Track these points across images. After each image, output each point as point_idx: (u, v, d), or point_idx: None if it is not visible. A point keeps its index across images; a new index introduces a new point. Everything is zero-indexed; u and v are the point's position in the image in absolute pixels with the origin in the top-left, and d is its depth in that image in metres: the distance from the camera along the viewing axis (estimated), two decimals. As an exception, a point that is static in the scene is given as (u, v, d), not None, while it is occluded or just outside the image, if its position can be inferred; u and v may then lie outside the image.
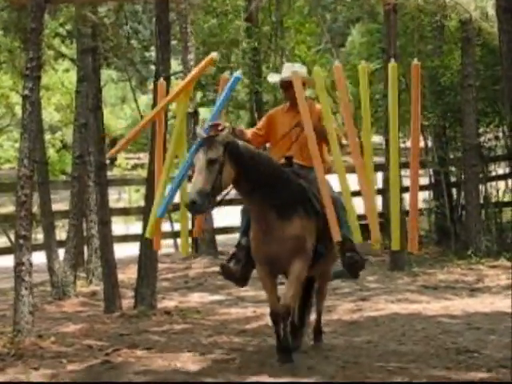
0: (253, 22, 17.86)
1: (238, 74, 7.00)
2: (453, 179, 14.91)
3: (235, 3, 17.27)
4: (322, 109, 6.94)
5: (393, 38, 12.75)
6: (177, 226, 13.89)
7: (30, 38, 8.15)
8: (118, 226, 15.12)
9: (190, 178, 7.02)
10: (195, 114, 14.53)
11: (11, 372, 6.93)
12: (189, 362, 7.15)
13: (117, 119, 31.89)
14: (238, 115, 23.82)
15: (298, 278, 6.83)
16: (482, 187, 14.32)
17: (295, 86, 6.92)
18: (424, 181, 14.45)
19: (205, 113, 19.92)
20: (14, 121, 23.27)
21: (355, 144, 6.76)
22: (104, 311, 9.94)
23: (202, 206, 6.35)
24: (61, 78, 23.73)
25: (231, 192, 6.89)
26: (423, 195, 14.55)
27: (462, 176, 14.33)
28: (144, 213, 9.56)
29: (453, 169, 14.87)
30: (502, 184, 15.18)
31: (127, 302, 10.08)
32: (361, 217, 6.74)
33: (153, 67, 19.28)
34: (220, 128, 6.57)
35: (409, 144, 8.43)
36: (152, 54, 19.54)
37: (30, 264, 7.95)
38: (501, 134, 14.83)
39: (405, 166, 14.50)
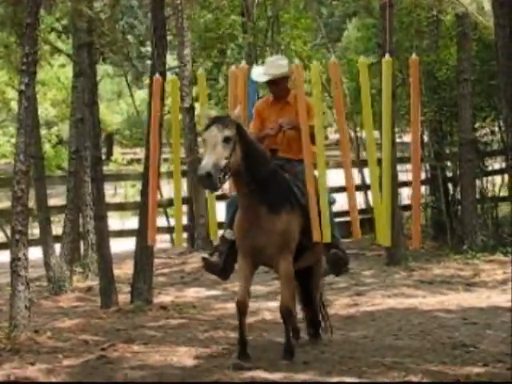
0: (249, 17, 17.83)
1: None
2: (449, 174, 14.91)
3: (231, -2, 17.24)
4: (311, 102, 7.01)
5: (389, 32, 12.73)
6: (173, 222, 13.89)
7: (26, 33, 8.13)
8: (114, 221, 15.11)
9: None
10: (191, 109, 14.51)
11: (7, 367, 6.94)
12: (185, 356, 7.16)
13: (113, 114, 31.86)
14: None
15: (288, 277, 6.91)
16: (478, 182, 14.33)
17: (297, 76, 6.97)
18: (420, 176, 14.42)
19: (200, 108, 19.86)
20: (9, 116, 23.23)
21: (346, 141, 6.89)
22: (100, 306, 9.94)
23: (216, 179, 6.31)
24: (57, 73, 23.70)
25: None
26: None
27: (458, 171, 14.32)
28: (140, 208, 9.57)
29: (449, 163, 14.87)
30: (498, 179, 15.19)
31: (123, 297, 10.08)
32: (342, 213, 6.87)
33: (149, 62, 19.27)
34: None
35: (405, 139, 8.50)
36: (148, 48, 19.55)
37: (26, 259, 7.95)
38: (497, 129, 14.83)
39: (401, 160, 14.48)
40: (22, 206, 7.92)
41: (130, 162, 23.93)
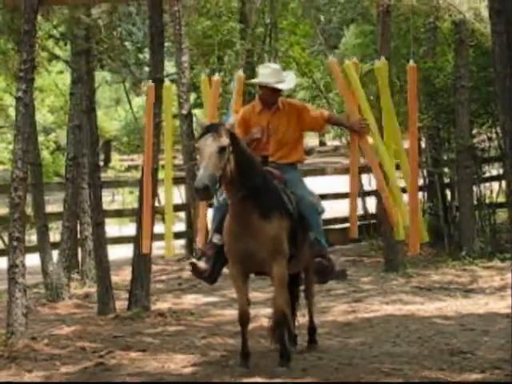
0: (247, 23, 17.86)
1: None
2: (446, 180, 14.92)
3: (229, 5, 17.26)
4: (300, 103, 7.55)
5: (386, 39, 12.76)
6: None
7: (24, 40, 8.14)
8: (112, 228, 15.10)
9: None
10: (189, 115, 14.51)
11: (4, 374, 6.94)
12: (183, 363, 7.15)
13: (111, 121, 31.89)
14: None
15: (282, 282, 6.88)
16: (475, 188, 14.33)
17: (334, 71, 7.65)
18: (418, 182, 14.43)
19: (199, 114, 19.90)
20: (7, 123, 23.21)
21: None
22: (98, 313, 9.93)
23: (213, 191, 6.36)
24: (54, 79, 23.70)
25: None
26: (417, 196, 14.53)
27: (456, 177, 14.33)
28: (137, 215, 9.56)
29: (446, 170, 14.88)
30: (495, 185, 15.19)
31: (121, 304, 10.07)
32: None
33: (147, 69, 19.31)
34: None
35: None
36: (146, 55, 19.54)
37: (24, 266, 7.95)
38: (494, 135, 14.83)
39: (397, 167, 14.49)
40: (19, 213, 7.92)
41: (128, 168, 23.93)
